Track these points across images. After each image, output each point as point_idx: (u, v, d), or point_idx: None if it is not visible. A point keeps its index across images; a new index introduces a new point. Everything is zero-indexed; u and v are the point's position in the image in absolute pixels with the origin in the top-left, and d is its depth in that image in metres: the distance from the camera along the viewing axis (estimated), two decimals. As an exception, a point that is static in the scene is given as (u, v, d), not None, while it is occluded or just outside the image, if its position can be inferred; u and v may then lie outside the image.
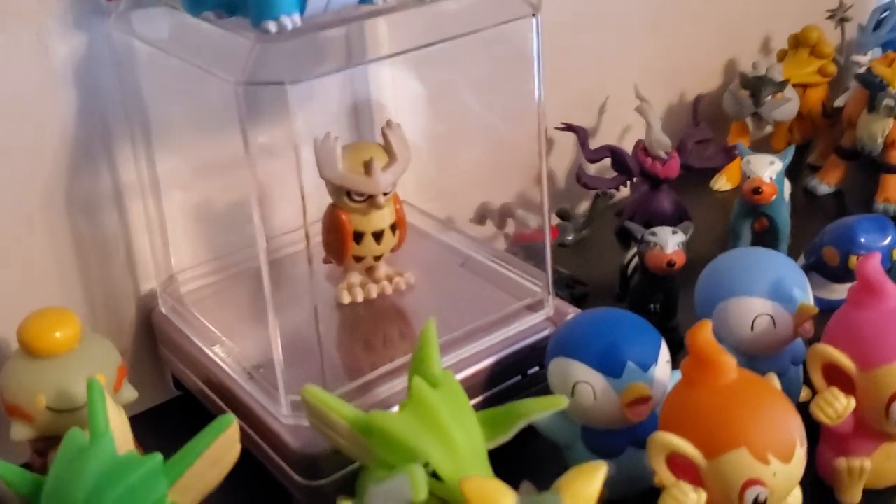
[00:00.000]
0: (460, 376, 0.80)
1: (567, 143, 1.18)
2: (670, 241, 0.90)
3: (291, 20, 0.65)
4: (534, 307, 0.87)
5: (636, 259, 0.96)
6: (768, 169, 1.00)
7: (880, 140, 1.12)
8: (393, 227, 0.86)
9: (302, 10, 0.66)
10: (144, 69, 0.84)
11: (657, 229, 0.92)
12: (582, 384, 0.75)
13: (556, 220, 1.13)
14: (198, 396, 0.89)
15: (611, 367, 0.74)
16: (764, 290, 0.81)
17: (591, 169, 1.17)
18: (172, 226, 0.92)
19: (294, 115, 0.68)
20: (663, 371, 0.76)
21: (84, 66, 0.83)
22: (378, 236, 0.85)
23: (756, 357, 0.83)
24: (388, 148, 0.82)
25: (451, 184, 1.07)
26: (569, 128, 1.13)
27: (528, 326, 0.85)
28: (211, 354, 0.85)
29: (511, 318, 0.85)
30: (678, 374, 0.76)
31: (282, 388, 0.76)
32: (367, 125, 1.00)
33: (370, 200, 0.82)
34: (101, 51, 0.83)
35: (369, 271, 0.88)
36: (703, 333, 0.69)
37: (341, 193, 0.82)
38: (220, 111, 0.72)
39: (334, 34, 0.72)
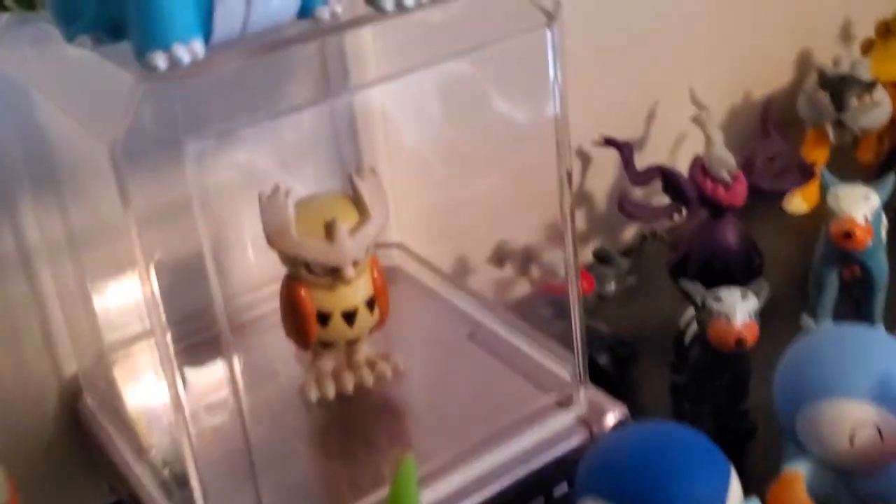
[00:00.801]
0: (464, 504, 0.60)
1: (607, 162, 0.97)
2: (739, 310, 0.69)
3: (189, 50, 0.45)
4: (562, 402, 0.66)
5: (695, 325, 0.74)
6: (862, 206, 0.77)
7: None
8: (370, 303, 0.65)
9: (207, 35, 0.45)
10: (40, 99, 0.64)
11: (723, 293, 0.70)
12: (622, 539, 0.54)
13: (590, 261, 0.92)
14: (129, 515, 0.69)
15: (661, 517, 0.53)
16: (867, 391, 0.60)
17: (637, 193, 0.96)
18: (101, 291, 0.72)
19: (193, 183, 0.48)
20: (734, 515, 0.55)
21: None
22: (350, 317, 0.64)
23: (855, 475, 0.62)
24: (357, 202, 0.62)
25: (460, 219, 0.86)
26: (610, 143, 0.91)
27: (555, 432, 0.65)
28: (134, 467, 0.65)
29: (531, 420, 0.65)
30: (754, 506, 0.56)
31: (208, 541, 0.56)
32: (351, 154, 0.79)
33: (336, 273, 0.61)
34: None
35: (345, 353, 0.68)
36: (793, 496, 0.48)
37: (297, 264, 0.62)
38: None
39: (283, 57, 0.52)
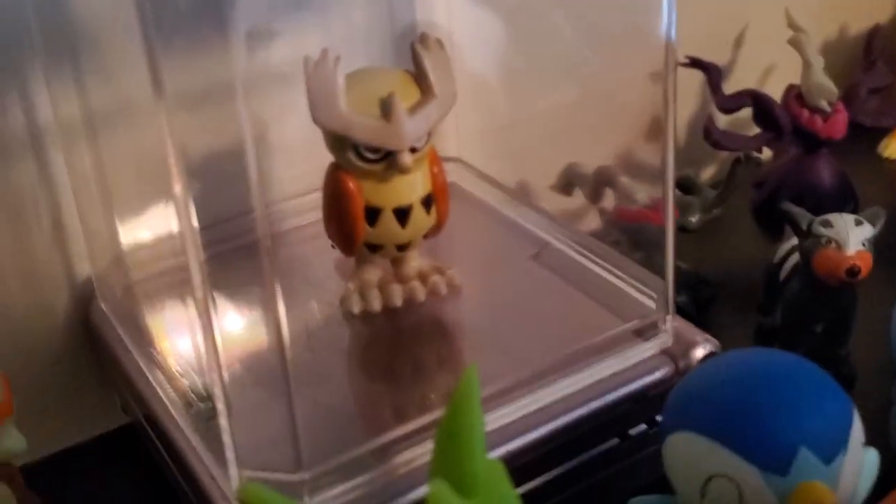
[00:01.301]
0: (525, 439, 0.51)
1: (691, 86, 0.87)
2: (852, 237, 0.60)
3: None
4: (643, 332, 0.57)
5: (794, 257, 0.65)
6: None
7: None
8: (427, 202, 0.56)
9: None
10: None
11: (833, 218, 0.61)
12: (721, 480, 0.45)
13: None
14: (140, 434, 0.61)
15: (771, 456, 0.44)
16: None
17: (722, 122, 0.86)
18: (120, 183, 0.64)
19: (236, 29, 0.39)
20: (855, 461, 0.46)
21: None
22: (403, 215, 0.55)
23: None
24: (420, 77, 0.53)
25: (525, 136, 0.77)
26: (696, 64, 0.82)
27: (633, 363, 0.56)
28: (151, 380, 0.57)
29: (608, 349, 0.56)
30: (873, 456, 0.47)
31: (231, 459, 0.48)
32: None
33: (390, 159, 0.52)
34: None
35: (394, 265, 0.59)
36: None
37: (345, 148, 0.53)
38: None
39: None
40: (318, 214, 0.62)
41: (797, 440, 0.44)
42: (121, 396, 0.65)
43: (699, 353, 0.56)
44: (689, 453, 0.46)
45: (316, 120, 0.51)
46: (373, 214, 0.54)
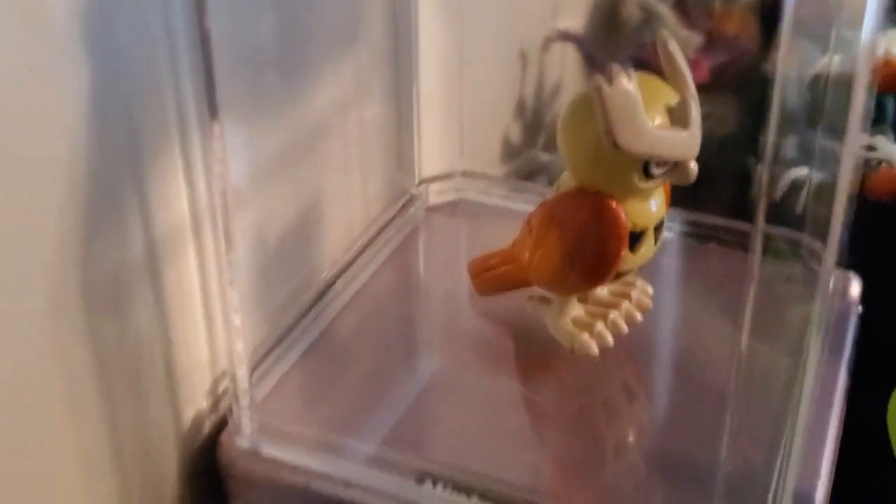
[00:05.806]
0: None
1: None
2: None
3: None
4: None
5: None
6: None
7: None
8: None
9: None
10: None
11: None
12: None
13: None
14: None
15: None
16: None
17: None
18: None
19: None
20: None
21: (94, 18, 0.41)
22: (655, 232, 0.51)
23: None
24: (676, 77, 0.48)
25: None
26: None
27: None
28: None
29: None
30: None
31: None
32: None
33: (671, 173, 0.48)
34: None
35: (584, 298, 0.55)
36: None
37: (630, 168, 0.47)
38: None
39: None
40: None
41: None
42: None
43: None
44: None
45: (621, 144, 0.45)
46: (636, 237, 0.50)
